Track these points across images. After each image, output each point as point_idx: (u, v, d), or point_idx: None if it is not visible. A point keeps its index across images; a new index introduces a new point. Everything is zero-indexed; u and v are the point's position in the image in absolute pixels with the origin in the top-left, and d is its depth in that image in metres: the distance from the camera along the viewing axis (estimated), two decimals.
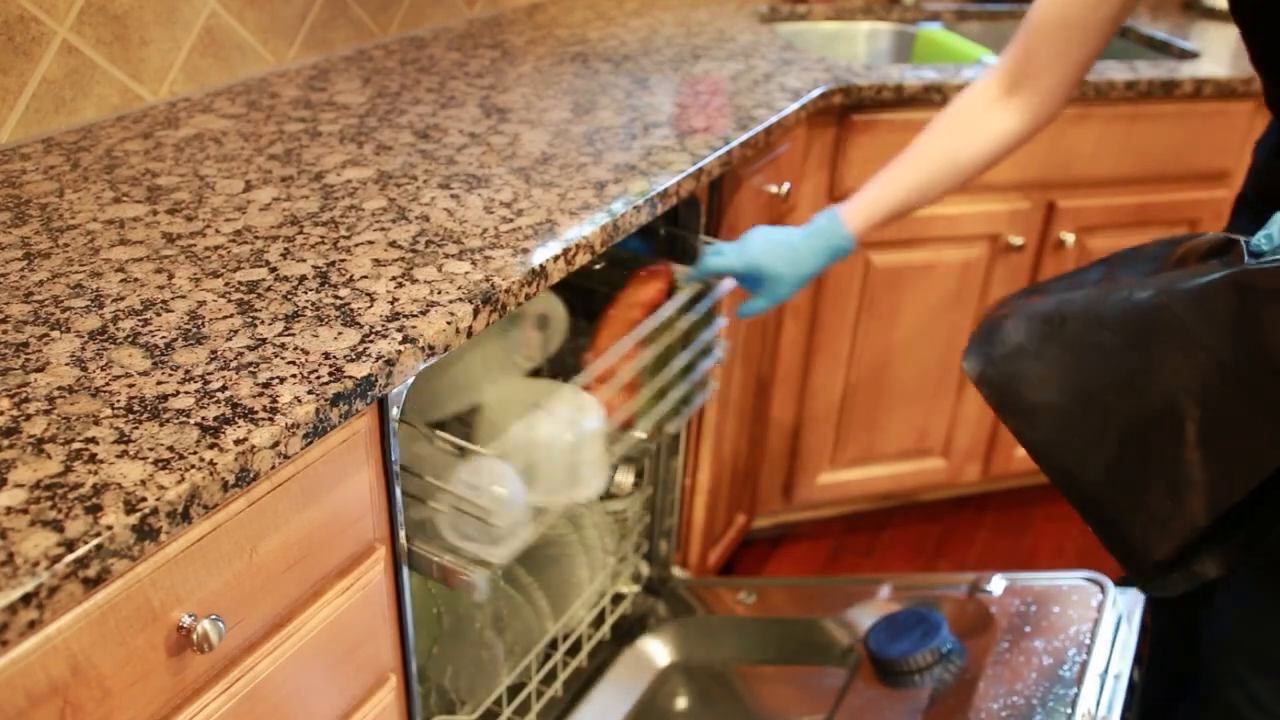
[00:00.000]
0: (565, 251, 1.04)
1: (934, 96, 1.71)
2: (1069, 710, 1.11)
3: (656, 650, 1.56)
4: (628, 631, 1.59)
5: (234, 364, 0.81)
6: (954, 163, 1.18)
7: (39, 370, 0.80)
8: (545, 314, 1.35)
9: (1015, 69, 1.16)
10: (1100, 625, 1.20)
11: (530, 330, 1.35)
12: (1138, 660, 1.23)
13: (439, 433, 1.04)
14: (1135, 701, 1.21)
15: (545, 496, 1.14)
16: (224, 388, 0.78)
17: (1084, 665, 1.15)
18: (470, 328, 0.93)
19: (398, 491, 0.95)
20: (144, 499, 0.67)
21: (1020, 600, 1.29)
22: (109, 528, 0.64)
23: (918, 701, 1.22)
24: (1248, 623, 1.20)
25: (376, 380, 0.83)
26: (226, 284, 0.94)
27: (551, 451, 1.14)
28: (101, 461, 0.70)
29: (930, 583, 1.42)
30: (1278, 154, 1.13)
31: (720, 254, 1.23)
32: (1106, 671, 1.16)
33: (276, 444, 0.75)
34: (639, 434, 1.31)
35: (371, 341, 0.85)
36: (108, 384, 0.78)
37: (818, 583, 1.62)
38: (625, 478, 1.52)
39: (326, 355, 0.83)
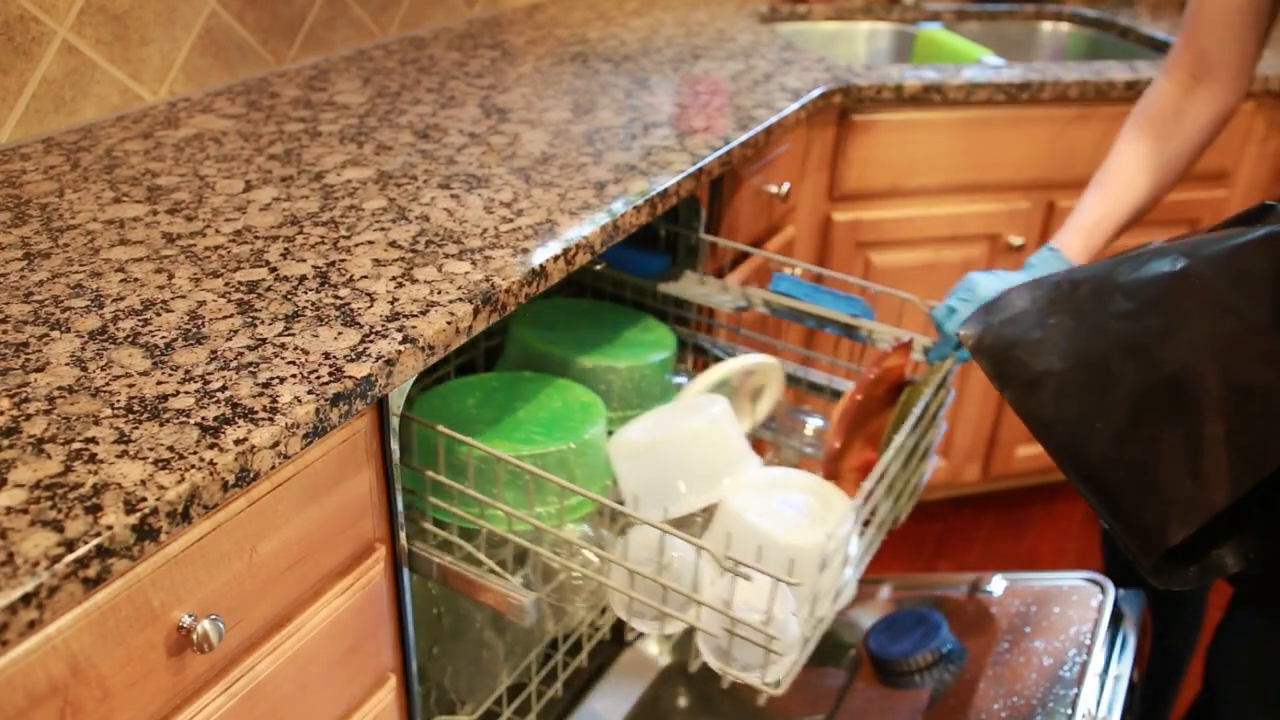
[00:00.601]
0: (565, 251, 1.04)
1: (934, 96, 1.71)
2: (1069, 711, 1.11)
3: (656, 650, 1.56)
4: (628, 631, 1.59)
5: (234, 364, 0.81)
6: (1165, 164, 1.16)
7: (39, 370, 0.80)
8: (763, 385, 1.27)
9: (1193, 63, 1.14)
10: (1100, 626, 1.20)
11: (745, 402, 1.26)
12: (1138, 661, 1.23)
13: (730, 556, 0.88)
14: (1135, 702, 1.21)
15: (823, 611, 1.00)
16: (224, 388, 0.78)
17: (1084, 666, 1.15)
18: (470, 328, 0.93)
19: (398, 491, 0.95)
20: (144, 499, 0.67)
21: (1020, 600, 1.29)
22: (109, 528, 0.64)
23: (918, 702, 1.22)
24: (1253, 656, 1.18)
25: (376, 380, 0.83)
26: (226, 284, 0.94)
27: (830, 565, 0.98)
28: (101, 461, 0.70)
29: (930, 583, 1.42)
30: None
31: (954, 311, 1.15)
32: (1106, 672, 1.16)
33: (276, 444, 0.75)
34: (878, 530, 1.16)
35: (371, 341, 0.85)
36: (108, 384, 0.78)
37: None
38: None
39: (326, 355, 0.83)
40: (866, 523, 1.08)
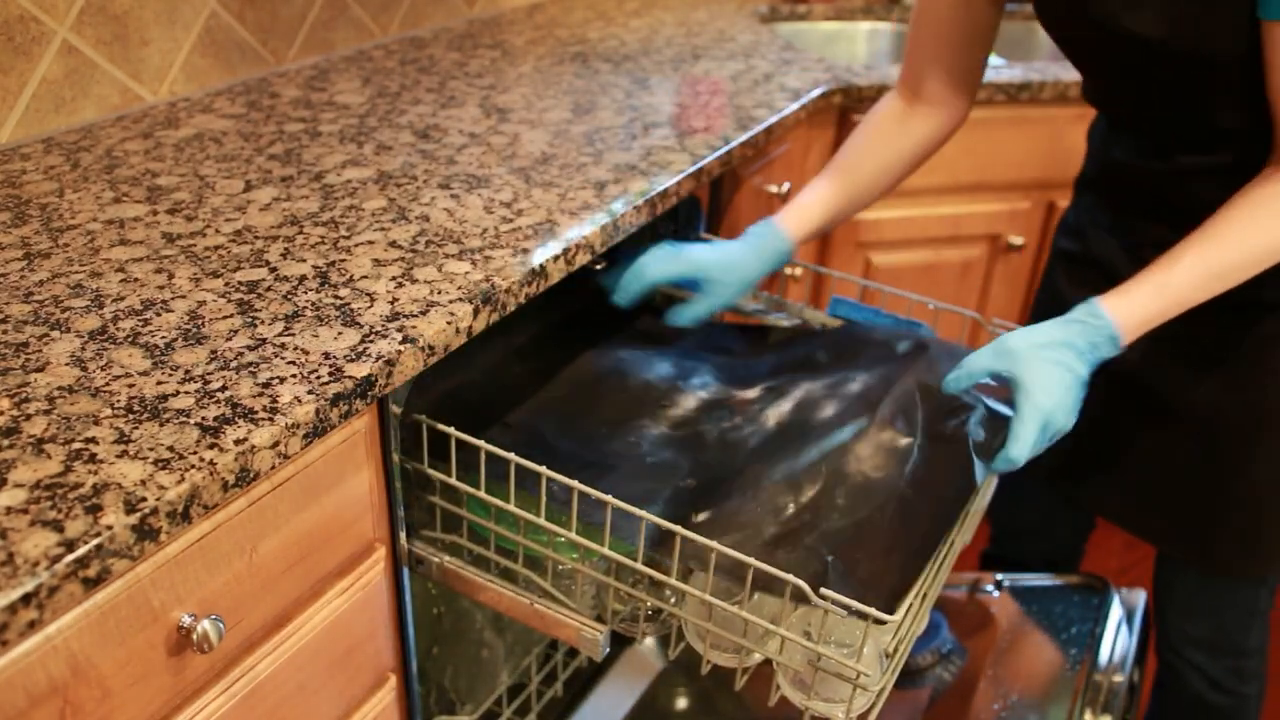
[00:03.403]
0: (565, 251, 1.04)
1: None
2: (1069, 710, 1.11)
3: (656, 650, 1.56)
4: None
5: (234, 364, 0.81)
6: (882, 170, 1.20)
7: (39, 370, 0.80)
8: None
9: (910, 81, 1.19)
10: (1100, 625, 1.21)
11: None
12: (1138, 660, 1.24)
13: (825, 591, 0.84)
14: (1135, 702, 1.22)
15: (904, 642, 0.94)
16: (224, 388, 0.78)
17: (1084, 665, 1.15)
18: (470, 327, 0.93)
19: (398, 491, 0.95)
20: (144, 499, 0.67)
21: (1020, 600, 1.30)
22: (109, 528, 0.64)
23: (918, 702, 1.22)
24: (1184, 614, 1.26)
25: (376, 380, 0.83)
26: (226, 284, 0.94)
27: (916, 608, 0.95)
28: (101, 461, 0.70)
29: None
30: (1106, 137, 1.17)
31: (668, 257, 1.13)
32: (1107, 672, 1.16)
33: (276, 444, 0.75)
34: (951, 559, 1.10)
35: (371, 341, 0.85)
36: (108, 384, 0.78)
37: None
38: None
39: (326, 355, 0.83)
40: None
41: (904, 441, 0.99)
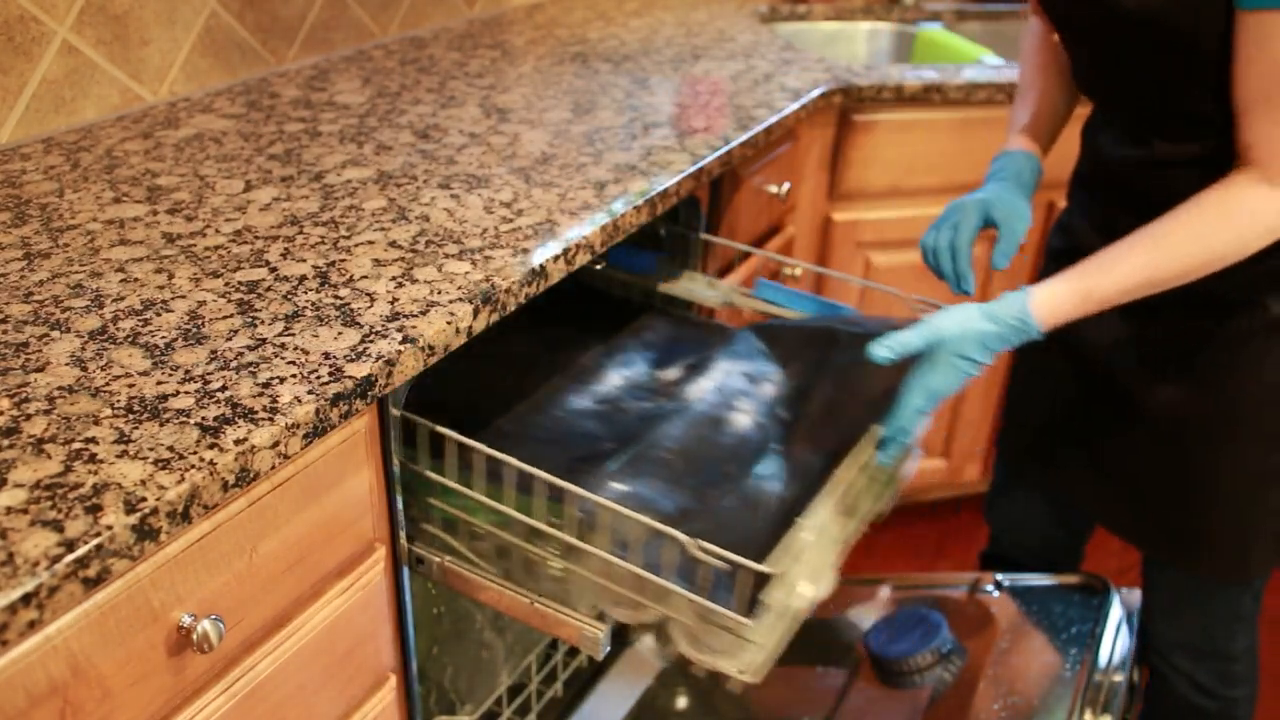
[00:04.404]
0: (565, 251, 1.04)
1: (934, 96, 1.71)
2: (1069, 710, 1.11)
3: (656, 650, 1.56)
4: (628, 631, 1.59)
5: (234, 364, 0.81)
6: (1065, 73, 1.23)
7: (39, 370, 0.80)
8: None
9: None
10: (1100, 625, 1.21)
11: None
12: (1138, 660, 1.24)
13: (702, 543, 0.87)
14: (1135, 702, 1.22)
15: (794, 601, 1.00)
16: (224, 388, 0.78)
17: (1084, 665, 1.15)
18: (470, 328, 0.93)
19: (398, 491, 0.95)
20: (144, 499, 0.67)
21: (1020, 600, 1.30)
22: (109, 528, 0.64)
23: (918, 702, 1.22)
24: (1167, 618, 1.26)
25: (376, 380, 0.83)
26: (226, 284, 0.94)
27: (811, 551, 1.00)
28: (101, 461, 0.70)
29: (930, 582, 1.42)
30: (1094, 128, 1.19)
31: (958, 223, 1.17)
32: (1107, 671, 1.16)
33: (276, 444, 0.75)
34: (861, 525, 1.16)
35: (371, 341, 0.85)
36: (108, 384, 0.78)
37: None
38: None
39: (326, 355, 0.83)
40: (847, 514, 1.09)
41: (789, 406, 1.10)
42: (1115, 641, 1.21)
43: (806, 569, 0.98)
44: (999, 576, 1.34)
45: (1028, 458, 1.33)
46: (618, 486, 0.95)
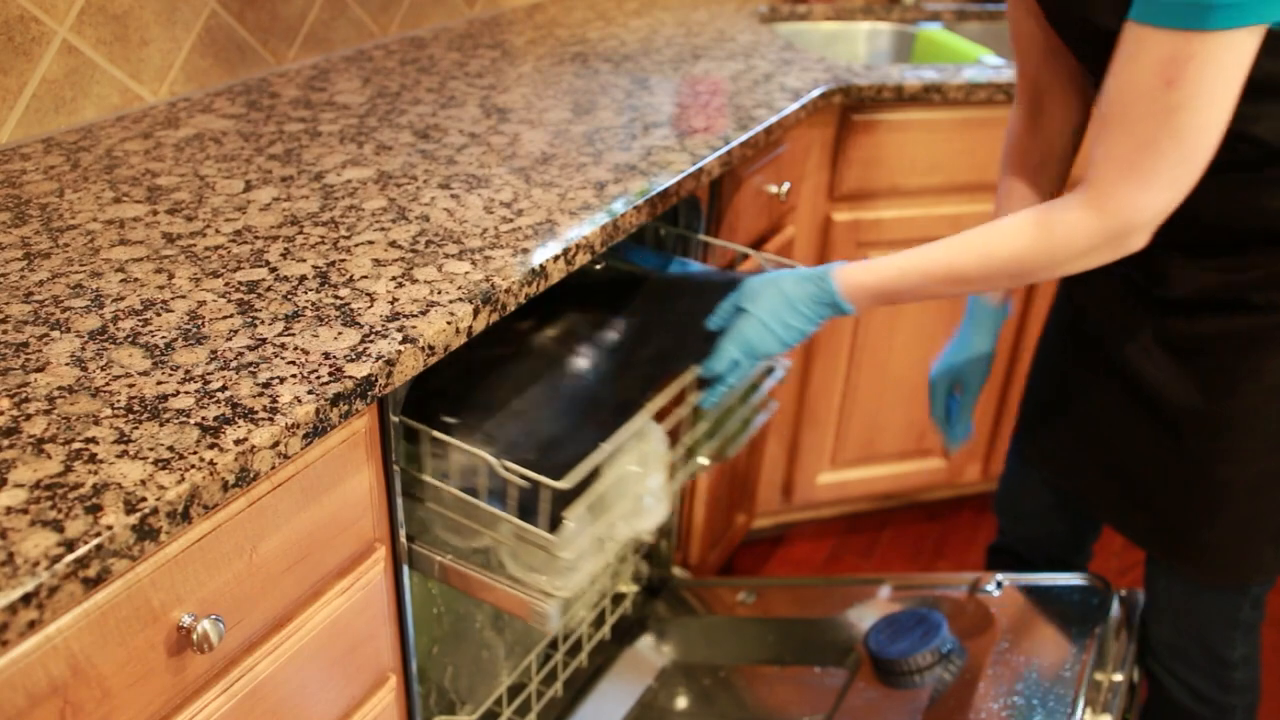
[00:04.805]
0: (565, 251, 1.04)
1: (934, 96, 1.71)
2: (1069, 710, 1.11)
3: (656, 650, 1.56)
4: (628, 631, 1.59)
5: (234, 364, 0.81)
6: (1034, 185, 1.25)
7: (39, 370, 0.80)
8: None
9: (1024, 94, 1.19)
10: (1100, 626, 1.21)
11: None
12: (1138, 660, 1.24)
13: (506, 463, 0.96)
14: (1135, 703, 1.21)
15: (611, 528, 1.10)
16: (224, 388, 0.78)
17: (1084, 665, 1.15)
18: (470, 328, 0.93)
19: (398, 491, 0.95)
20: (144, 499, 0.67)
21: (1020, 600, 1.30)
22: (109, 528, 0.64)
23: (918, 702, 1.22)
24: (1166, 622, 1.26)
25: (376, 380, 0.83)
26: (226, 284, 0.94)
27: (619, 482, 1.10)
28: (101, 461, 0.70)
29: (930, 582, 1.42)
30: None
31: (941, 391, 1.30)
32: (1106, 672, 1.16)
33: (276, 444, 0.75)
34: (701, 460, 1.28)
35: (371, 341, 0.85)
36: (108, 384, 0.78)
37: (818, 583, 1.62)
38: None
39: (326, 355, 0.83)
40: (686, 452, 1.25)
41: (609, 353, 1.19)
42: (1115, 642, 1.21)
43: (630, 501, 1.09)
44: (999, 576, 1.34)
45: (1036, 451, 1.33)
46: (488, 431, 1.04)
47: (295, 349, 0.84)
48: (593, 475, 1.03)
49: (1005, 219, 1.00)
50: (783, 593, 1.58)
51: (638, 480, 1.11)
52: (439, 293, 0.94)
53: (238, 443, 0.72)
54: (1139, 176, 0.91)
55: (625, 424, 1.08)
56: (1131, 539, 1.23)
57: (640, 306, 1.21)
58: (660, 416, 1.15)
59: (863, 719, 1.26)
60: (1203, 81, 0.87)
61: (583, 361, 1.17)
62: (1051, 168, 1.21)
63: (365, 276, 0.96)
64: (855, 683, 1.32)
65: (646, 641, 1.57)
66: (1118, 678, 1.16)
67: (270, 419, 0.75)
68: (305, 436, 0.77)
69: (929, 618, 1.29)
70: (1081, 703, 1.12)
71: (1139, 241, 0.95)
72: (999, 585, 1.33)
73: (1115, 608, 1.24)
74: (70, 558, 0.62)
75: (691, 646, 1.56)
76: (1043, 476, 1.34)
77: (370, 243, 1.02)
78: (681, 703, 1.49)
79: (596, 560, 1.06)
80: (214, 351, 0.83)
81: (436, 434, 0.99)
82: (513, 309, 0.98)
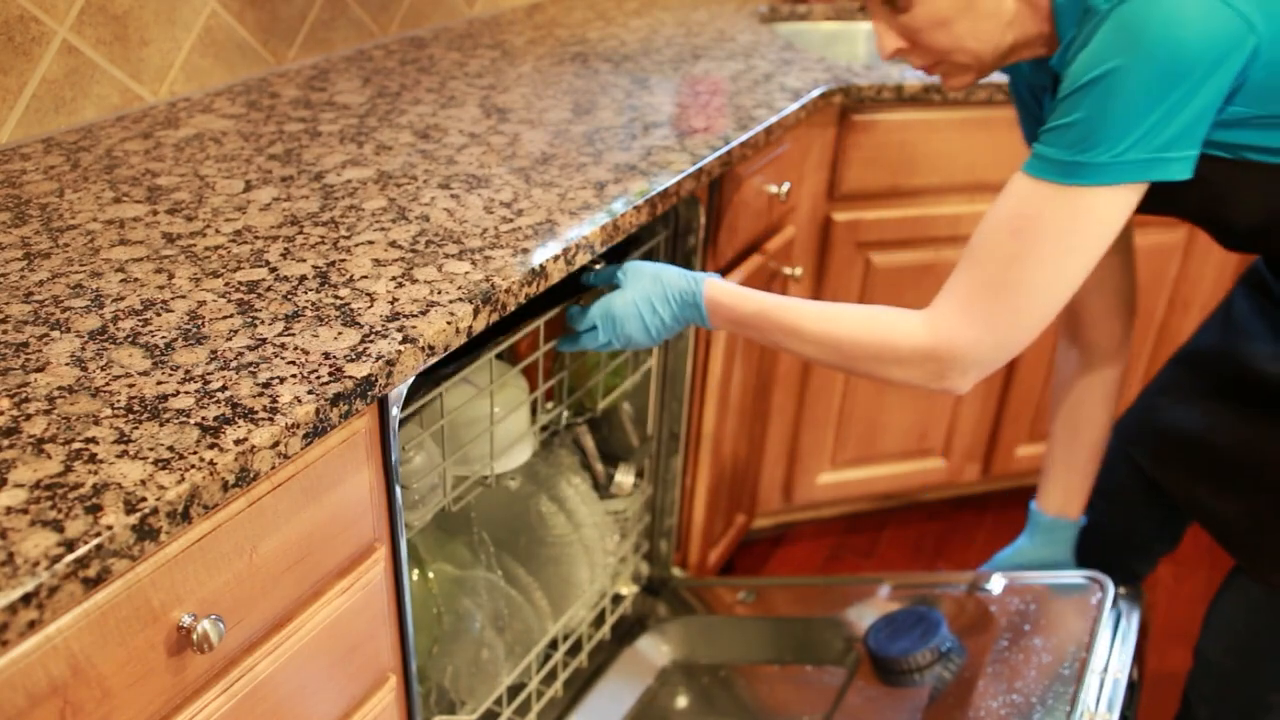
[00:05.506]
0: (565, 251, 1.04)
1: (934, 96, 1.71)
2: (1068, 708, 1.11)
3: (656, 650, 1.56)
4: (628, 631, 1.59)
5: (234, 364, 0.82)
6: (1094, 413, 1.29)
7: (39, 370, 0.80)
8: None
9: (1066, 324, 1.25)
10: (1100, 623, 1.21)
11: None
12: (1137, 659, 1.23)
13: None
14: (1135, 701, 1.21)
15: (463, 466, 1.20)
16: (224, 388, 0.79)
17: (1084, 663, 1.15)
18: (470, 327, 0.93)
19: (398, 491, 0.95)
20: (144, 499, 0.67)
21: (1020, 599, 1.29)
22: (109, 528, 0.64)
23: (917, 700, 1.22)
24: (1220, 647, 1.24)
25: (376, 380, 0.83)
26: (226, 284, 0.94)
27: (475, 422, 1.19)
28: (101, 461, 0.70)
29: (930, 581, 1.42)
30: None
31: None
32: (1106, 670, 1.16)
33: (276, 444, 0.75)
34: (563, 409, 1.37)
35: (371, 341, 0.85)
36: (108, 384, 0.78)
37: (817, 582, 1.62)
38: (625, 477, 1.52)
39: (326, 355, 0.83)
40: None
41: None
42: (1115, 640, 1.21)
43: (488, 441, 1.19)
44: (998, 575, 1.34)
45: (1139, 435, 1.32)
46: None
47: (295, 349, 0.84)
48: (433, 403, 1.11)
49: (860, 309, 1.03)
50: (782, 592, 1.58)
51: (499, 422, 1.21)
52: (439, 293, 0.94)
53: (238, 443, 0.73)
54: (970, 314, 0.94)
55: (472, 359, 1.13)
56: (1229, 548, 1.19)
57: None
58: (523, 364, 1.24)
59: (862, 718, 1.26)
60: (1045, 237, 0.89)
61: None
62: (1107, 396, 1.26)
63: (365, 276, 0.96)
64: (855, 681, 1.32)
65: (646, 641, 1.57)
66: (1118, 676, 1.16)
67: (270, 419, 0.75)
68: (305, 436, 0.77)
69: (928, 616, 1.29)
70: (1081, 701, 1.12)
71: (959, 382, 0.97)
72: (999, 584, 1.33)
73: (1115, 606, 1.24)
74: (70, 558, 0.62)
75: (692, 646, 1.56)
76: (1144, 469, 1.32)
77: (370, 243, 1.03)
78: (681, 702, 1.49)
79: (449, 496, 1.16)
80: (214, 351, 0.83)
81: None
82: (513, 309, 0.99)
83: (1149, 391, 1.33)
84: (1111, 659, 1.18)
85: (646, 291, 1.11)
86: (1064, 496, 1.30)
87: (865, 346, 1.00)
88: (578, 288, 1.21)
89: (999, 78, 1.73)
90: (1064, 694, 1.12)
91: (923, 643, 1.25)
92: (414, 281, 0.95)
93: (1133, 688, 1.17)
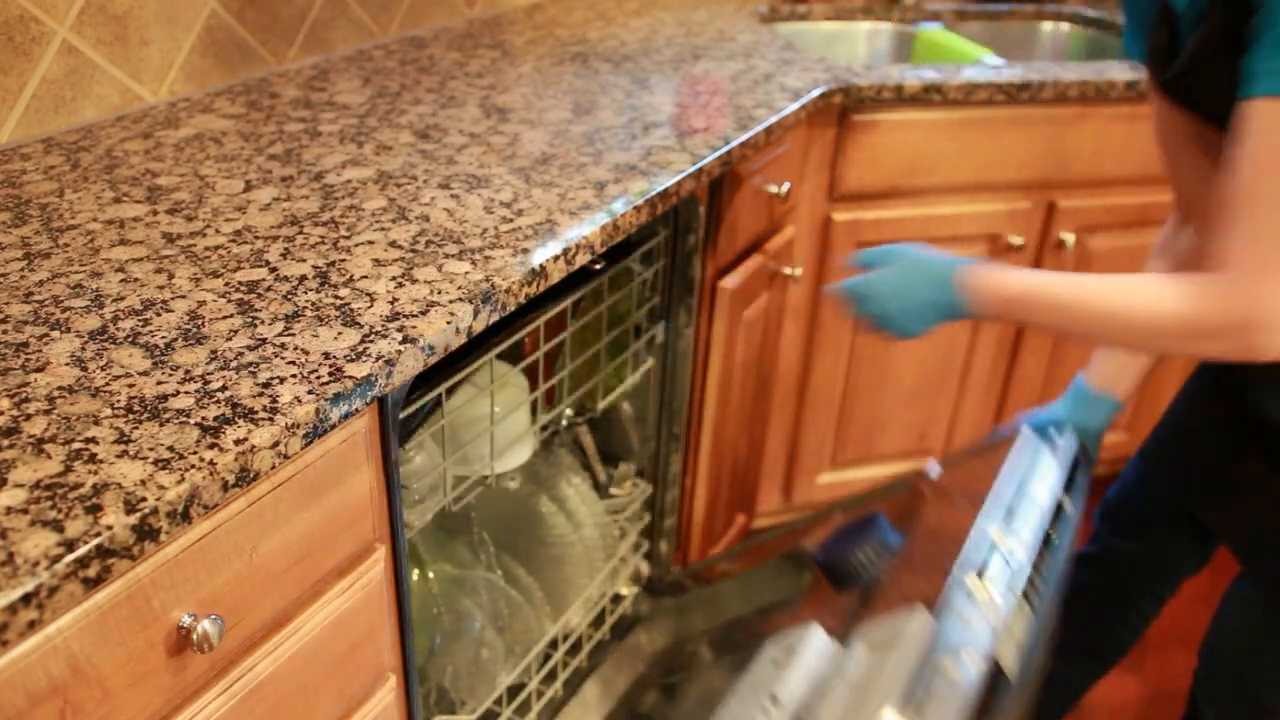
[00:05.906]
0: (565, 251, 1.04)
1: (934, 96, 1.71)
2: (985, 556, 1.08)
3: (648, 638, 1.58)
4: (628, 631, 1.59)
5: (234, 364, 0.81)
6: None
7: (39, 370, 0.80)
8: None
9: (1179, 200, 1.17)
10: (1030, 461, 1.19)
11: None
12: (1067, 490, 1.19)
13: None
14: (1075, 535, 1.18)
15: (463, 465, 1.20)
16: (224, 388, 0.79)
17: (1017, 492, 1.13)
18: (470, 328, 0.93)
19: (398, 491, 0.95)
20: (144, 499, 0.67)
21: (956, 472, 1.29)
22: (109, 528, 0.64)
23: (849, 602, 1.22)
24: (1231, 652, 1.23)
25: (376, 380, 0.83)
26: (226, 284, 0.94)
27: (474, 422, 1.19)
28: (101, 461, 0.70)
29: (875, 494, 1.43)
30: None
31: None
32: (1032, 497, 1.14)
33: (276, 444, 0.75)
34: (563, 409, 1.37)
35: (371, 341, 0.85)
36: (108, 384, 0.78)
37: (782, 531, 1.62)
38: (625, 477, 1.52)
39: (326, 355, 0.83)
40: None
41: None
42: (1049, 472, 1.18)
43: (489, 441, 1.21)
44: (933, 461, 1.34)
45: (1171, 442, 1.31)
46: None
47: (295, 349, 0.84)
48: (435, 408, 1.11)
49: (1132, 277, 0.94)
50: (756, 551, 1.59)
51: (499, 422, 1.22)
52: (439, 293, 0.94)
53: (238, 443, 0.72)
54: (1274, 269, 0.84)
55: (470, 361, 1.13)
56: (1236, 539, 1.19)
57: None
58: (523, 364, 1.26)
59: (809, 622, 1.25)
60: None
61: None
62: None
63: (365, 276, 0.96)
64: (811, 596, 1.32)
65: (639, 634, 1.58)
66: (1045, 502, 1.13)
67: (270, 419, 0.75)
68: (305, 436, 0.77)
69: (869, 519, 1.29)
70: (1008, 528, 1.09)
71: (1268, 342, 0.86)
72: (936, 469, 1.33)
73: (1044, 446, 1.22)
74: (70, 558, 0.62)
75: (686, 621, 1.57)
76: (1175, 490, 1.30)
77: (370, 243, 1.02)
78: (667, 698, 1.50)
79: (450, 496, 1.16)
80: (214, 351, 0.83)
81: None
82: (513, 309, 0.98)
83: (1175, 405, 1.33)
84: (1034, 485, 1.15)
85: (906, 272, 1.06)
86: (1115, 372, 1.25)
87: (1165, 322, 0.90)
88: (578, 287, 1.21)
89: (998, 78, 1.73)
90: (990, 533, 1.08)
91: (860, 542, 1.25)
92: (414, 281, 0.95)
93: (1061, 511, 1.14)
